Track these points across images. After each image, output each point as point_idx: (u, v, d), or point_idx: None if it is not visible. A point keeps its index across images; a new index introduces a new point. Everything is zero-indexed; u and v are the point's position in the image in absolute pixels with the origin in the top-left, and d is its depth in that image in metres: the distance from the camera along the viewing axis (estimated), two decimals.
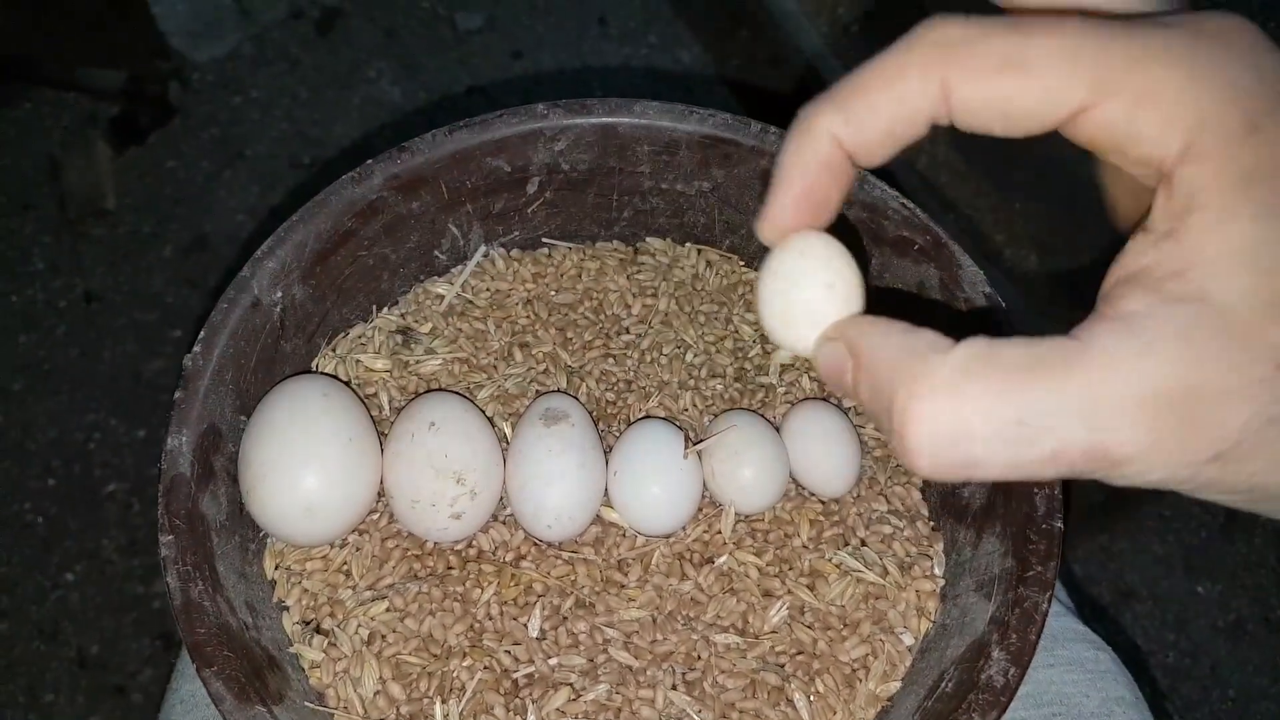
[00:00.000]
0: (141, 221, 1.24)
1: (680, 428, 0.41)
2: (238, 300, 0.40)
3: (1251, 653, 1.02)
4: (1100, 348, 0.20)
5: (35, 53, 1.32)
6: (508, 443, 0.41)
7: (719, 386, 0.44)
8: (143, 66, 1.30)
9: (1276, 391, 0.19)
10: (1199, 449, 0.19)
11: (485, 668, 0.38)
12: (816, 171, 0.23)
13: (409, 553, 0.40)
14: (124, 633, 1.04)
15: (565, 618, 0.39)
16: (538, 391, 0.43)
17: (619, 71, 1.30)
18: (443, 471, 0.38)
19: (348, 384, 0.43)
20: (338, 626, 0.38)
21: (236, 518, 0.39)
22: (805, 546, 0.40)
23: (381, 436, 0.41)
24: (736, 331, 0.45)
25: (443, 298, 0.46)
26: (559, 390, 0.43)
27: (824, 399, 0.44)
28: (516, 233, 0.47)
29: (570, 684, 0.37)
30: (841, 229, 0.26)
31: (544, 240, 0.48)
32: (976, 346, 0.21)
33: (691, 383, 0.44)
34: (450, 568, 0.40)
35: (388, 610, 0.38)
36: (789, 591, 0.39)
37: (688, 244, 0.48)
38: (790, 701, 0.37)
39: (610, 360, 0.44)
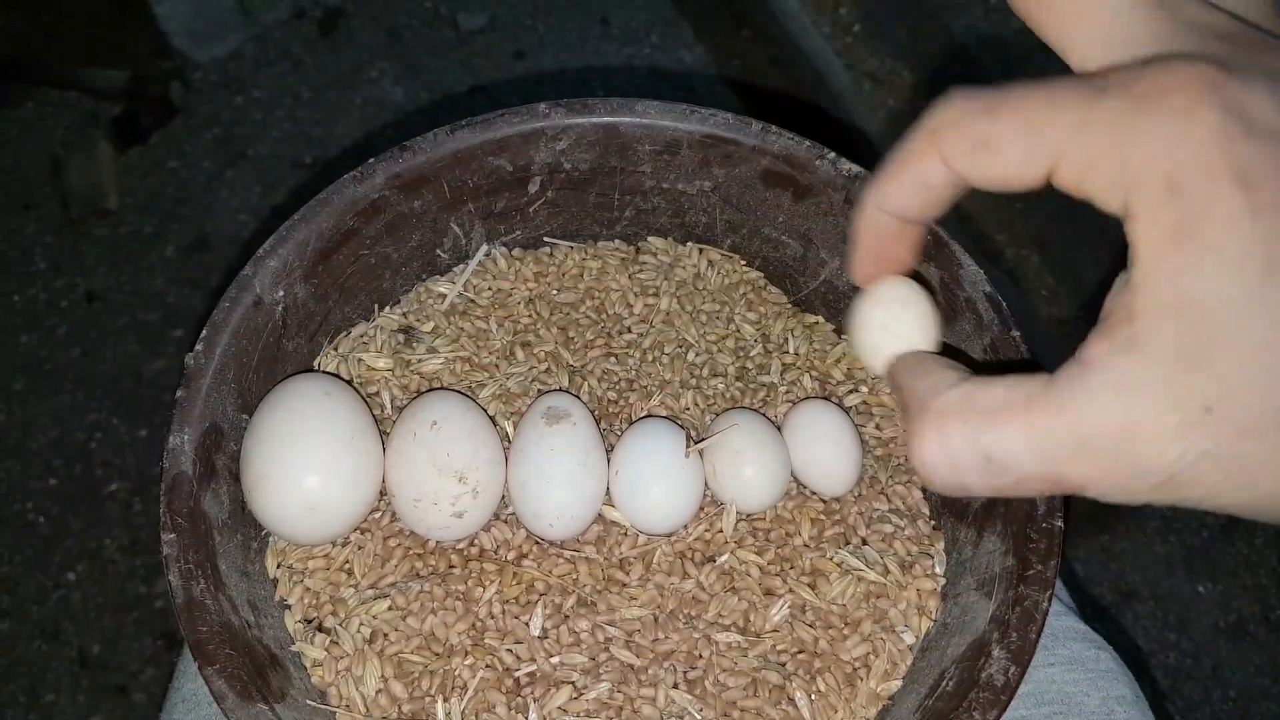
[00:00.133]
0: (143, 221, 1.24)
1: (682, 427, 0.41)
2: (240, 299, 0.40)
3: (1253, 653, 1.02)
4: (1057, 391, 0.22)
5: (37, 52, 1.32)
6: (510, 442, 0.41)
7: (720, 385, 0.44)
8: (145, 66, 1.30)
9: (1202, 432, 0.21)
10: (1140, 481, 0.22)
11: (487, 666, 0.38)
12: (876, 236, 0.29)
13: (411, 551, 0.40)
14: (125, 632, 1.04)
15: (567, 616, 0.39)
16: (540, 390, 0.43)
17: (621, 71, 1.30)
18: (445, 470, 0.38)
19: (350, 383, 0.43)
20: (340, 625, 0.38)
21: (238, 516, 0.39)
22: (806, 545, 0.40)
23: (383, 435, 0.41)
24: (738, 331, 0.46)
25: (445, 297, 0.46)
26: (561, 389, 0.43)
27: (825, 398, 0.44)
28: (518, 232, 0.47)
29: (572, 682, 0.37)
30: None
31: (546, 239, 0.48)
32: (965, 388, 0.25)
33: (693, 382, 0.44)
34: (452, 566, 0.40)
35: (390, 609, 0.38)
36: (790, 590, 0.39)
37: (689, 243, 0.48)
38: (791, 700, 0.37)
39: (612, 359, 0.44)
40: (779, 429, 0.42)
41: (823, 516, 0.41)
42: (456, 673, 0.37)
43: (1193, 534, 1.06)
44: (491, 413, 0.42)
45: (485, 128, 0.44)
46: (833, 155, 0.43)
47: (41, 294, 1.20)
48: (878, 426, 0.43)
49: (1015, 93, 0.24)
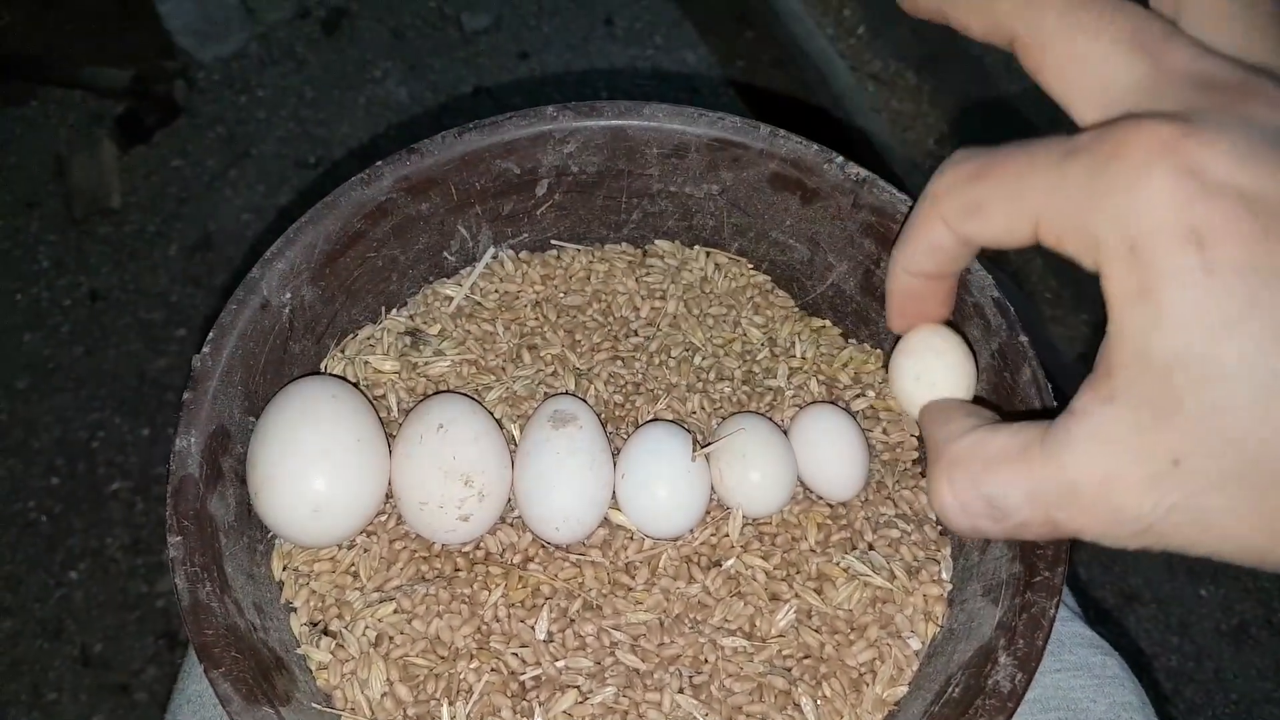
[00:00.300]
0: (147, 220, 1.24)
1: (688, 430, 0.41)
2: (247, 301, 0.40)
3: (1255, 656, 1.02)
4: (1050, 440, 0.24)
5: (42, 51, 1.32)
6: (516, 445, 0.41)
7: (727, 389, 0.44)
8: (149, 66, 1.31)
9: (1173, 484, 0.22)
10: (1122, 529, 0.23)
11: (492, 669, 0.38)
12: (905, 296, 0.32)
13: (417, 554, 0.40)
14: (128, 631, 1.04)
15: (573, 620, 0.39)
16: (546, 393, 0.43)
17: (625, 72, 1.31)
18: (451, 473, 0.38)
19: (356, 385, 0.43)
20: (345, 628, 0.38)
21: (244, 519, 0.39)
22: (813, 550, 0.40)
23: (390, 438, 0.41)
24: (745, 334, 0.45)
25: (451, 299, 0.46)
26: (567, 392, 0.43)
27: (832, 402, 0.44)
28: (525, 235, 0.47)
29: (577, 686, 0.37)
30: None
31: (553, 242, 0.48)
32: (975, 436, 0.27)
33: (699, 385, 0.44)
34: (458, 569, 0.40)
35: (395, 612, 0.38)
36: (796, 595, 0.39)
37: (696, 247, 0.48)
38: (797, 705, 0.37)
39: (618, 363, 0.44)
40: (785, 433, 0.42)
41: (829, 521, 0.41)
42: (462, 676, 0.37)
43: None
44: (498, 416, 0.42)
45: (493, 130, 0.44)
46: (840, 159, 0.43)
47: (45, 293, 1.20)
48: (884, 431, 0.43)
49: (1001, 155, 0.25)
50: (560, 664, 0.38)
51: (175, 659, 1.02)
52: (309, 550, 0.40)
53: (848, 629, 0.39)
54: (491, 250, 0.47)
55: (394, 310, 0.46)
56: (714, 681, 0.38)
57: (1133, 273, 0.22)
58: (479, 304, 0.46)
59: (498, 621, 0.38)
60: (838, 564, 0.40)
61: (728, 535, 0.40)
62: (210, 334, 0.39)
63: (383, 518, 0.41)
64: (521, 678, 0.37)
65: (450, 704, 0.37)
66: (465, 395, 0.42)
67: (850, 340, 0.46)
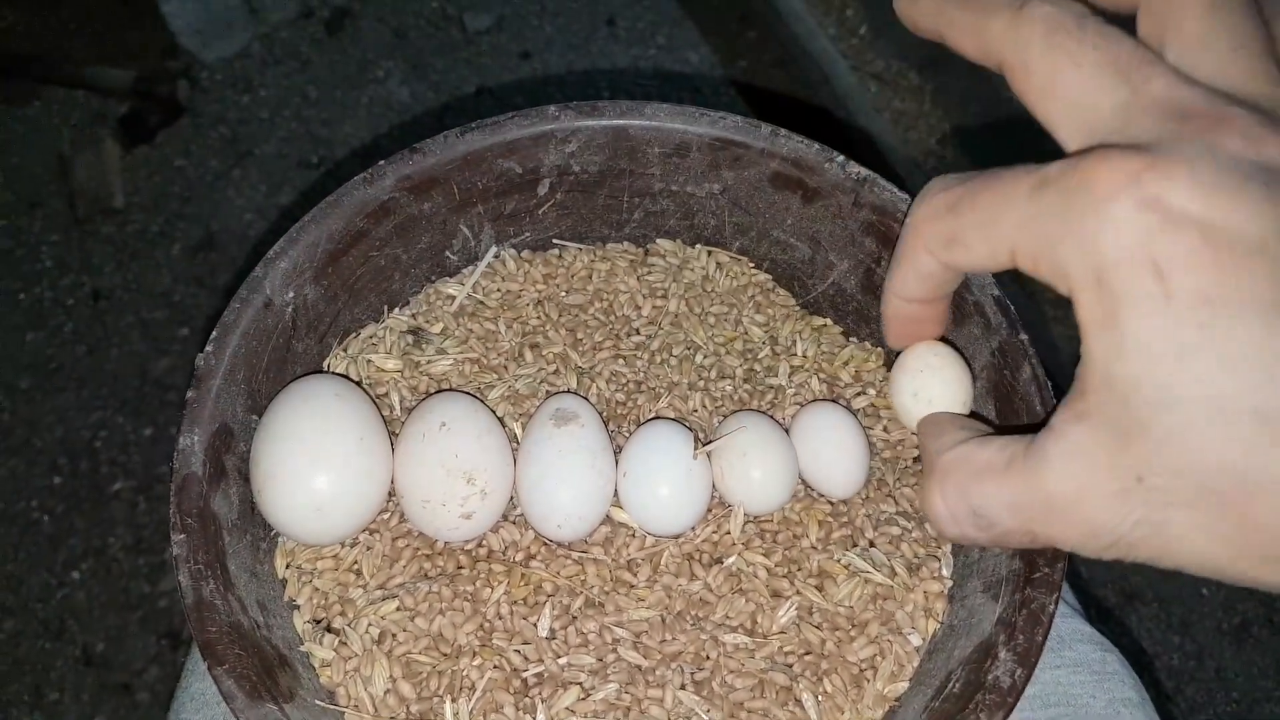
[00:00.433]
0: (150, 220, 1.24)
1: (690, 428, 0.41)
2: (250, 300, 0.40)
3: (1256, 655, 1.02)
4: (1031, 454, 0.25)
5: (45, 51, 1.32)
6: (518, 443, 0.41)
7: (728, 388, 0.44)
8: (152, 65, 1.31)
9: (1138, 499, 0.23)
10: (1095, 541, 0.24)
11: (495, 667, 0.38)
12: (900, 319, 0.33)
13: (419, 552, 0.40)
14: (130, 631, 1.04)
15: (575, 617, 0.39)
16: (548, 392, 0.43)
17: (627, 72, 1.31)
18: (453, 471, 0.38)
19: (359, 384, 0.43)
20: (348, 625, 0.38)
21: (248, 517, 0.39)
22: (814, 547, 0.40)
23: (392, 436, 0.41)
24: (746, 333, 0.46)
25: (454, 298, 0.46)
26: (569, 391, 0.43)
27: (833, 400, 0.44)
28: (527, 234, 0.47)
29: (580, 683, 0.37)
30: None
31: (555, 241, 0.48)
32: (964, 448, 0.28)
33: (701, 384, 0.44)
34: (460, 567, 0.40)
35: (398, 609, 0.39)
36: (797, 592, 0.39)
37: (698, 246, 0.48)
38: (798, 701, 0.37)
39: (620, 361, 0.44)
40: (787, 431, 0.42)
41: (830, 519, 0.41)
42: (464, 673, 0.38)
43: None
44: (500, 414, 0.42)
45: (495, 130, 0.44)
46: (842, 158, 0.43)
47: (47, 292, 1.20)
48: (885, 429, 0.43)
49: (975, 186, 0.26)
50: (562, 661, 0.38)
51: (177, 659, 1.03)
52: (312, 548, 0.40)
53: (849, 625, 0.39)
54: (494, 249, 0.47)
55: (396, 309, 0.46)
56: (715, 678, 0.38)
57: (1099, 302, 0.23)
58: (481, 303, 0.46)
59: (500, 619, 0.39)
60: (839, 561, 0.40)
61: (729, 533, 0.40)
62: (213, 333, 0.39)
63: (385, 516, 0.41)
64: (524, 675, 0.38)
65: (453, 701, 0.37)
66: (467, 394, 0.42)
67: (851, 338, 0.46)
